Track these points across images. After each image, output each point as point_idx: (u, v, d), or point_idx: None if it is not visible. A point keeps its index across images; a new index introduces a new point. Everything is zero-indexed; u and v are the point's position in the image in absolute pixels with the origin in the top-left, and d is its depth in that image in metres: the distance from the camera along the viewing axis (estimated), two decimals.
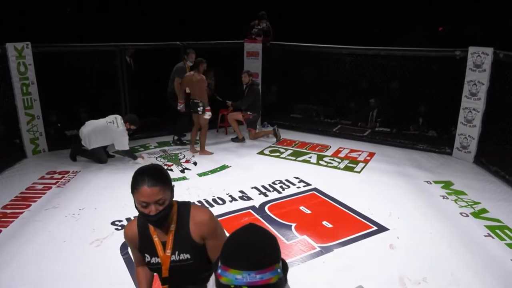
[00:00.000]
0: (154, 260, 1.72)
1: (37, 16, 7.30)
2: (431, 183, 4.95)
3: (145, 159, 5.66)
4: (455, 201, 4.46)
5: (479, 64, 5.37)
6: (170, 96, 6.25)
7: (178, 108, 5.94)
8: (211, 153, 6.00)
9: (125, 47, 6.49)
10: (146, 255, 1.73)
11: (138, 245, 1.74)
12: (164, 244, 1.69)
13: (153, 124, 7.07)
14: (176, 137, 6.48)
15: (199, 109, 5.63)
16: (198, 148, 6.04)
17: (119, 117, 5.52)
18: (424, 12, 9.07)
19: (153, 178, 1.54)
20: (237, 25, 7.84)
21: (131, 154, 5.68)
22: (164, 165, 5.52)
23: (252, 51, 7.35)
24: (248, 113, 6.63)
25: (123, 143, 5.48)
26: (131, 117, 5.63)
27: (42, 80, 5.75)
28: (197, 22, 8.72)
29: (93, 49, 6.36)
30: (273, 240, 1.12)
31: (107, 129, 5.40)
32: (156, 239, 1.69)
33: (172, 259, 1.69)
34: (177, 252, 1.68)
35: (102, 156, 5.52)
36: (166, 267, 1.70)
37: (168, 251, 1.69)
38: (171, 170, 5.34)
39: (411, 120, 7.11)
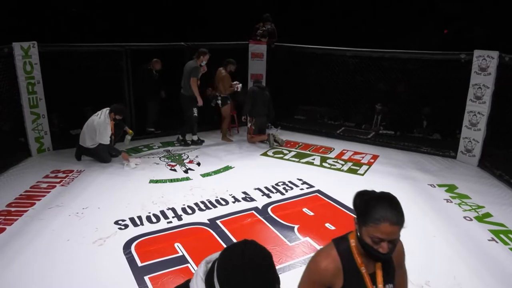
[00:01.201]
0: None
1: (43, 16, 7.35)
2: (435, 186, 4.93)
3: (132, 163, 5.41)
4: (459, 204, 4.44)
5: (484, 67, 5.34)
6: (184, 99, 6.11)
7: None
8: (231, 141, 6.70)
9: (129, 47, 6.50)
10: None
11: (343, 281, 1.47)
12: (372, 276, 1.49)
13: (156, 124, 7.08)
14: (181, 137, 6.48)
15: (218, 101, 6.48)
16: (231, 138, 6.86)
17: (104, 109, 5.47)
18: (429, 15, 9.05)
19: (397, 215, 1.38)
20: (241, 26, 7.85)
21: (114, 149, 5.60)
22: (168, 165, 5.54)
23: (257, 53, 7.36)
24: (249, 123, 6.50)
25: (102, 136, 5.35)
26: (116, 107, 5.52)
27: (48, 79, 5.78)
28: (201, 23, 8.74)
29: (99, 49, 6.39)
30: (272, 261, 1.06)
31: (91, 122, 5.39)
32: (364, 271, 1.48)
33: None
34: (384, 283, 1.52)
35: (106, 155, 5.54)
36: None
37: (380, 286, 1.49)
38: (175, 170, 5.36)
39: (415, 123, 7.08)
